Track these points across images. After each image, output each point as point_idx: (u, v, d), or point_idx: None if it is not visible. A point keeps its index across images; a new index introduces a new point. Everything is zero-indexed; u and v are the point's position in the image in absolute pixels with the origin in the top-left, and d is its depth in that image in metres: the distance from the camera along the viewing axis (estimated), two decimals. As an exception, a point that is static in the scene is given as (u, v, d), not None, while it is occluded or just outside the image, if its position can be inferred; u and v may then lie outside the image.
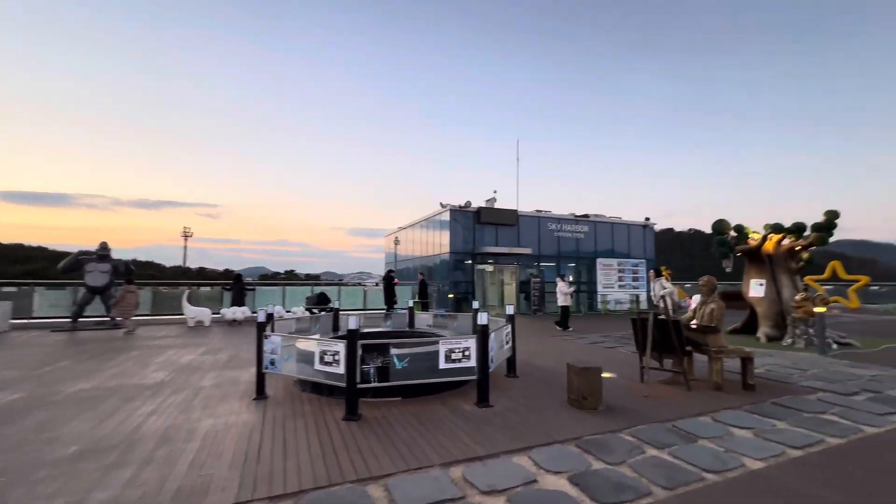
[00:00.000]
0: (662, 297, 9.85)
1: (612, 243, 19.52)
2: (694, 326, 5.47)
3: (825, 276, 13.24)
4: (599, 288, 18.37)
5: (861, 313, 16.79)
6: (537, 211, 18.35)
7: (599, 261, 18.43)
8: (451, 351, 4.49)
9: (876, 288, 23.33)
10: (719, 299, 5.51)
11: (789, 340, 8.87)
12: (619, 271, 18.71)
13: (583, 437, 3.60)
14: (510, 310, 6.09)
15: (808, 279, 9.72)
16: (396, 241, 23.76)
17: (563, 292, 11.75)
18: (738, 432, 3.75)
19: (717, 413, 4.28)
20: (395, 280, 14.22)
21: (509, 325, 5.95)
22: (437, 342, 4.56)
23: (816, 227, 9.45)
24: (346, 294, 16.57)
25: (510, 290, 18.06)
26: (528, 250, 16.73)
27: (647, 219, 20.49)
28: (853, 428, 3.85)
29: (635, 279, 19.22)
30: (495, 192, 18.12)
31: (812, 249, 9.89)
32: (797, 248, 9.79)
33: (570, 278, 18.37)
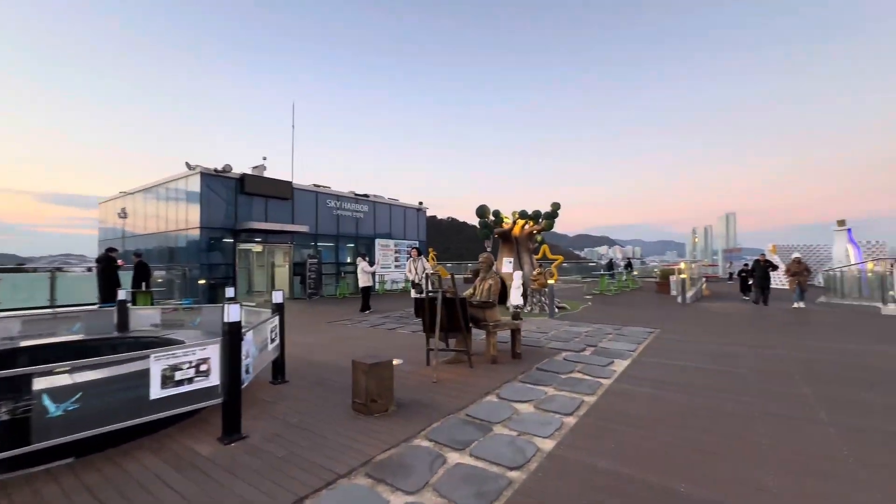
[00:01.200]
0: (427, 275, 10.34)
1: (389, 225, 19.88)
2: (476, 303, 5.51)
3: (538, 256, 17.16)
4: (378, 268, 18.45)
5: (559, 283, 22.78)
6: (316, 186, 16.73)
7: (378, 241, 18.44)
8: (176, 367, 2.87)
9: (566, 265, 32.42)
10: (496, 275, 5.74)
11: (529, 308, 10.72)
12: (396, 252, 19.26)
13: (374, 459, 2.77)
14: (278, 297, 4.72)
15: (536, 257, 11.91)
16: (123, 214, 17.43)
17: (365, 272, 11.02)
18: (522, 409, 3.73)
19: (501, 389, 4.27)
20: (119, 262, 10.07)
21: (277, 317, 4.59)
22: (146, 356, 2.82)
23: (546, 216, 11.72)
24: (23, 285, 10.89)
25: (283, 273, 15.92)
26: (304, 228, 14.99)
27: (421, 203, 21.88)
28: (595, 383, 4.44)
29: (408, 261, 20.31)
30: (265, 158, 15.47)
31: (542, 232, 12.27)
32: (534, 231, 11.94)
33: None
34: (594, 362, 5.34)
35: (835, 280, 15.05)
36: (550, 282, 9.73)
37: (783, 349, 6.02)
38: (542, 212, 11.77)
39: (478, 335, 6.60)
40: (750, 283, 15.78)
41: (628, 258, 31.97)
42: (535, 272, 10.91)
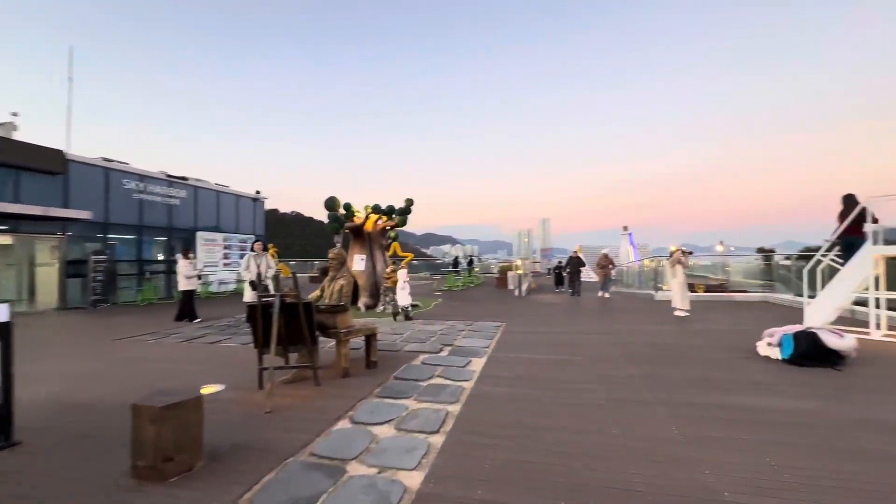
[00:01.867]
0: (271, 275, 8.91)
1: (217, 216, 16.77)
2: (324, 307, 4.66)
3: (389, 253, 16.95)
4: (201, 266, 15.28)
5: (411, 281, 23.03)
6: (105, 160, 12.82)
7: (201, 234, 15.29)
8: None
9: (415, 262, 33.15)
10: (349, 274, 5.00)
11: (381, 307, 10.19)
12: (226, 248, 16.34)
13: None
14: (3, 314, 3.02)
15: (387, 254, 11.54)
16: None
17: (185, 275, 8.71)
18: (381, 433, 3.13)
19: (355, 410, 3.58)
20: None
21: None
22: None
23: (400, 211, 11.39)
24: None
25: (49, 273, 11.70)
26: (85, 214, 11.26)
27: (258, 192, 19.15)
28: (457, 388, 4.16)
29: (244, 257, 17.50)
30: (15, 114, 11.08)
31: (395, 229, 11.91)
32: (388, 227, 11.47)
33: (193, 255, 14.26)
34: (453, 363, 5.11)
35: (622, 273, 18.89)
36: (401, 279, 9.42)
37: (605, 334, 6.94)
38: (396, 207, 11.39)
39: (326, 343, 5.73)
40: (564, 275, 18.67)
41: (471, 256, 34.59)
42: (388, 269, 10.45)
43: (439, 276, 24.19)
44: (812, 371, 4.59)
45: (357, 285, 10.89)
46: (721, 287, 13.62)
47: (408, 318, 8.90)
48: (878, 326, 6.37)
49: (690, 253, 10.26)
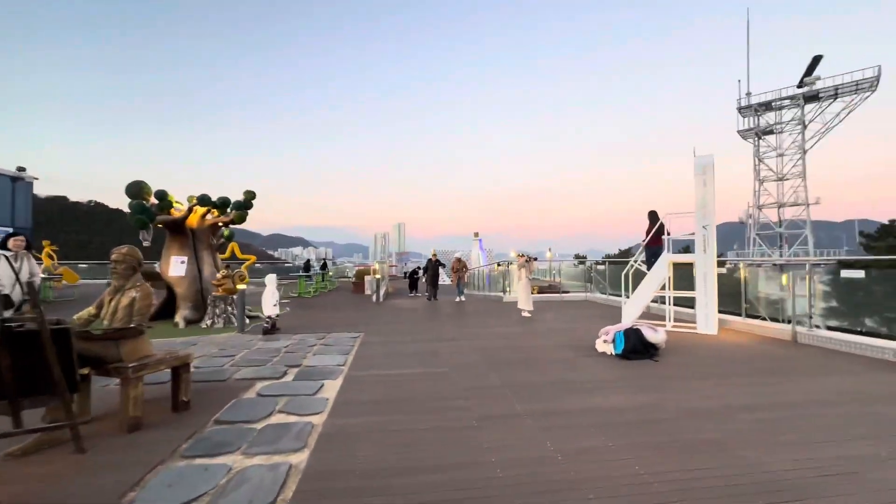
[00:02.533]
0: (30, 282, 6.27)
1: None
2: (99, 333, 3.19)
3: (226, 255, 14.41)
4: None
5: (249, 286, 20.09)
6: None
7: None
8: None
9: (258, 265, 29.35)
10: (145, 284, 3.58)
11: (209, 322, 8.27)
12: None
13: None
14: None
15: (222, 256, 9.64)
16: None
17: None
18: (183, 523, 2.11)
19: (141, 489, 2.41)
20: None
21: None
22: None
23: (238, 205, 9.55)
24: None
25: None
26: None
27: (22, 169, 14.01)
28: (305, 426, 3.29)
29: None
30: None
31: (230, 227, 9.95)
32: (220, 224, 9.48)
33: None
34: (300, 390, 4.17)
35: (473, 277, 20.00)
36: (241, 286, 7.80)
37: (465, 339, 6.85)
38: (233, 201, 9.54)
39: (99, 382, 4.09)
40: (417, 278, 18.90)
41: (324, 259, 32.42)
42: (219, 275, 8.58)
43: (287, 280, 21.78)
44: (639, 364, 5.19)
45: (175, 295, 8.66)
46: (551, 288, 15.56)
47: (274, 328, 7.43)
48: (670, 319, 7.86)
49: (535, 259, 11.23)
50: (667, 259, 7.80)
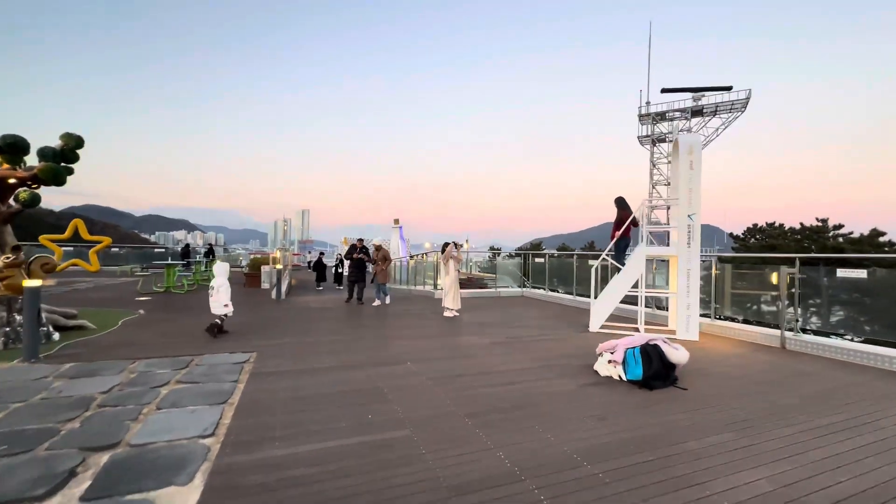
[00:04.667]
0: None
1: None
2: None
3: (66, 235, 10.26)
4: None
5: (101, 276, 15.32)
6: None
7: None
8: None
9: (116, 250, 23.35)
10: None
11: (-23, 339, 4.95)
12: None
13: None
14: None
15: (43, 238, 6.21)
16: None
17: None
18: None
19: None
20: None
21: None
22: None
23: (46, 154, 6.11)
24: None
25: None
26: None
27: None
28: None
29: None
30: None
31: (35, 188, 6.42)
32: (14, 179, 5.97)
33: None
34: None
35: (394, 269, 17.83)
36: (31, 282, 4.67)
37: (416, 361, 4.80)
38: (45, 147, 6.14)
39: None
40: (335, 269, 16.18)
41: (210, 244, 27.32)
42: (1, 260, 5.25)
43: (150, 271, 17.13)
44: (670, 397, 3.73)
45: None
46: (469, 282, 14.20)
47: (220, 331, 5.65)
48: (642, 323, 6.76)
49: (460, 246, 9.35)
50: (643, 253, 6.67)
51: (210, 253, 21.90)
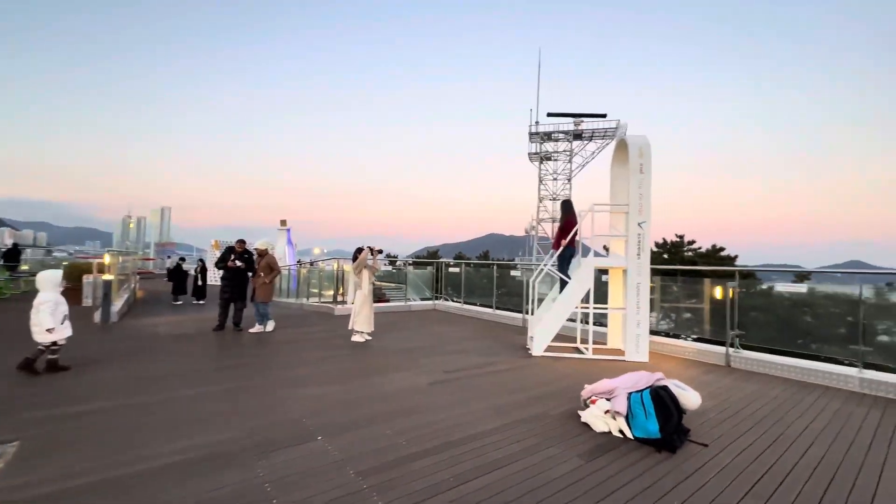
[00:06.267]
0: None
1: None
2: None
3: None
4: None
5: None
6: None
7: None
8: None
9: None
10: None
11: None
12: None
13: None
14: None
15: None
16: None
17: None
18: None
19: None
20: None
21: None
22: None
23: None
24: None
25: None
26: None
27: None
28: None
29: None
30: None
31: None
32: None
33: None
34: None
35: (281, 279, 15.05)
36: None
37: (326, 443, 3.06)
38: None
39: None
40: (196, 280, 12.94)
41: (16, 244, 20.40)
42: None
43: None
44: (696, 459, 2.74)
45: None
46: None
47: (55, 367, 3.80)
48: (587, 343, 5.99)
49: (379, 251, 7.50)
50: (592, 265, 5.92)
51: (13, 253, 16.00)
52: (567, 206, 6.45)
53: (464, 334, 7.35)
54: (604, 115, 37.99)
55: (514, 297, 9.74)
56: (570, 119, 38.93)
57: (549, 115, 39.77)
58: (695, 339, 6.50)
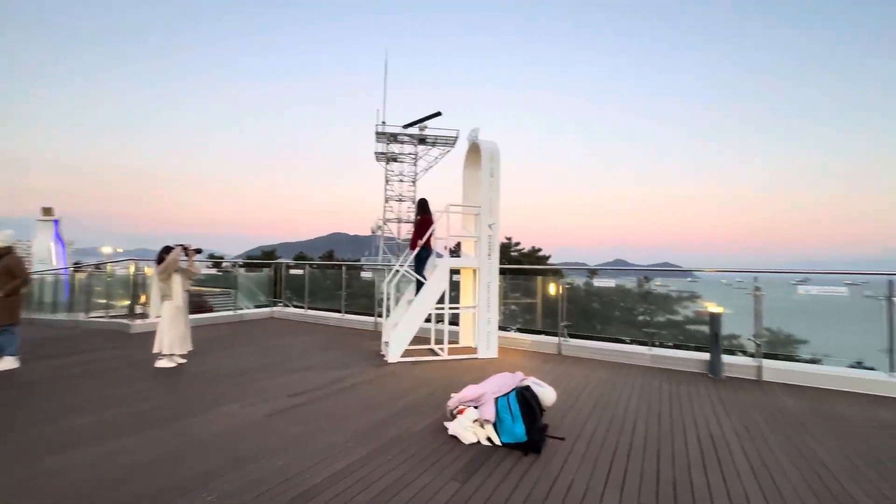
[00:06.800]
0: None
1: None
2: None
3: None
4: None
5: None
6: None
7: None
8: None
9: None
10: None
11: None
12: None
13: None
14: None
15: None
16: None
17: None
18: None
19: None
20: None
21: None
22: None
23: None
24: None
25: None
26: None
27: None
28: None
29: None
30: None
31: None
32: None
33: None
34: None
35: (43, 287, 11.14)
36: None
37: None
38: None
39: None
40: None
41: None
42: None
43: None
44: (554, 455, 2.81)
45: None
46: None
47: None
48: (441, 343, 5.97)
49: (198, 251, 6.02)
50: (447, 265, 5.91)
51: None
52: (423, 205, 6.32)
53: (309, 345, 6.51)
54: (438, 114, 39.66)
55: (362, 298, 9.25)
56: (416, 124, 40.19)
57: (405, 126, 40.09)
58: (518, 330, 7.17)
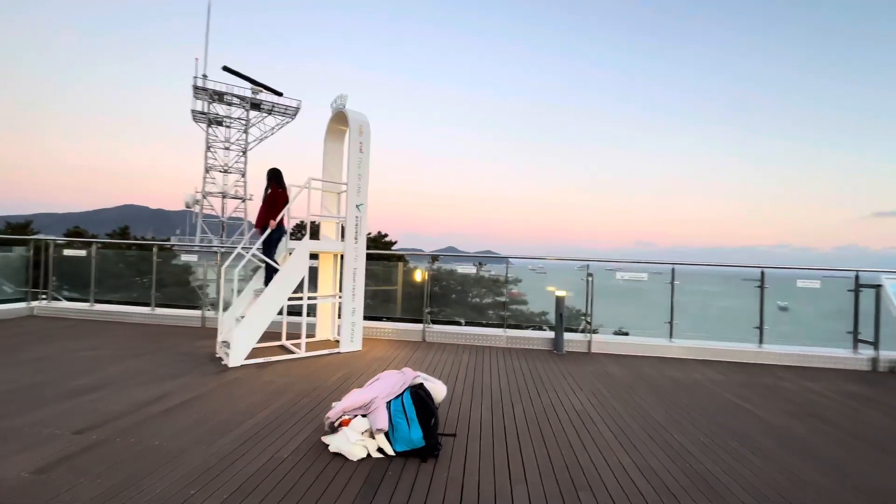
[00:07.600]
0: None
1: None
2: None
3: None
4: None
5: None
6: None
7: None
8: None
9: None
10: None
11: None
12: None
13: None
14: None
15: None
16: None
17: None
18: None
19: None
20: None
21: None
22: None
23: None
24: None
25: None
26: None
27: None
28: None
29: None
30: None
31: None
32: None
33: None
34: None
35: None
36: None
37: None
38: None
39: None
40: None
41: None
42: None
43: None
44: (451, 455, 2.63)
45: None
46: None
47: None
48: (295, 339, 5.17)
49: None
50: (306, 248, 5.10)
51: None
52: (276, 175, 5.28)
53: (103, 352, 4.80)
54: (280, 94, 36.16)
55: (172, 286, 7.44)
56: (248, 85, 34.84)
57: (225, 69, 34.06)
58: (386, 319, 6.93)
